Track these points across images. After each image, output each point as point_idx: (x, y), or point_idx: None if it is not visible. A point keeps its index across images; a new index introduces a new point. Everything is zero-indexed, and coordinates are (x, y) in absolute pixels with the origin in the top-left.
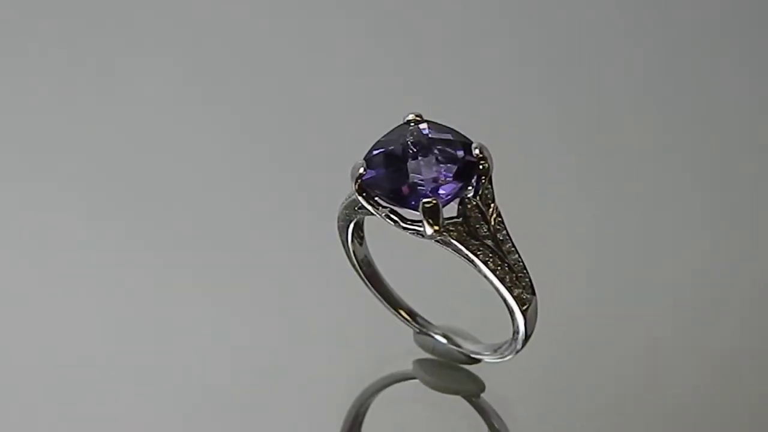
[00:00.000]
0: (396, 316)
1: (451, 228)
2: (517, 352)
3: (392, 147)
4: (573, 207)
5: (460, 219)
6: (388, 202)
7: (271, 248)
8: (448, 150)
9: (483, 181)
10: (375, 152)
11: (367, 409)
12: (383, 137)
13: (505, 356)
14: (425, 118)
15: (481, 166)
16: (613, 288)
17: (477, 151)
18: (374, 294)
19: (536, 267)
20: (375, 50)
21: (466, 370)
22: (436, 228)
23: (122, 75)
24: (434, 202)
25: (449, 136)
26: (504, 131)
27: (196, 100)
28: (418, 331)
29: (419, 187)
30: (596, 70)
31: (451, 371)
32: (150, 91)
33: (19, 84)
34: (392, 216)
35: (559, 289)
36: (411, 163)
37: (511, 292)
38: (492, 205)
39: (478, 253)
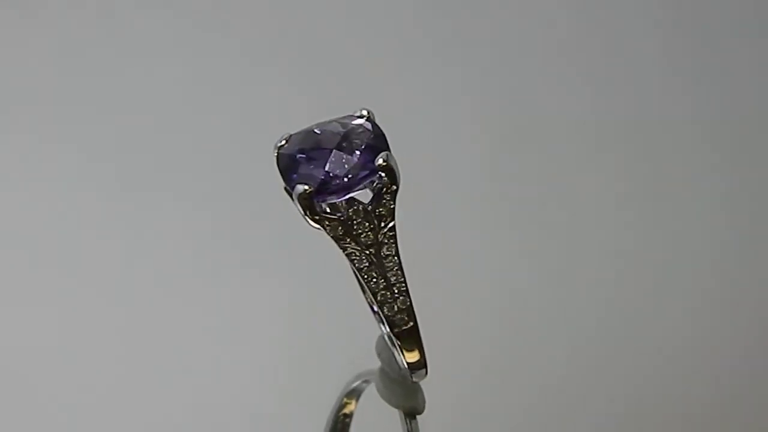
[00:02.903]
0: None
1: (327, 223)
2: (414, 379)
3: (307, 133)
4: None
5: (342, 218)
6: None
7: (269, 244)
8: (352, 151)
9: (382, 192)
10: (299, 131)
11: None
12: (322, 121)
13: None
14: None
15: (382, 174)
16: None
17: (380, 161)
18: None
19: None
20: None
21: (415, 387)
22: (308, 216)
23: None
24: (309, 191)
25: (365, 140)
26: (510, 132)
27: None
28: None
29: (306, 175)
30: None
31: (396, 384)
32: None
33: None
34: (287, 191)
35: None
36: (310, 152)
37: (381, 308)
38: (387, 218)
39: (354, 258)
